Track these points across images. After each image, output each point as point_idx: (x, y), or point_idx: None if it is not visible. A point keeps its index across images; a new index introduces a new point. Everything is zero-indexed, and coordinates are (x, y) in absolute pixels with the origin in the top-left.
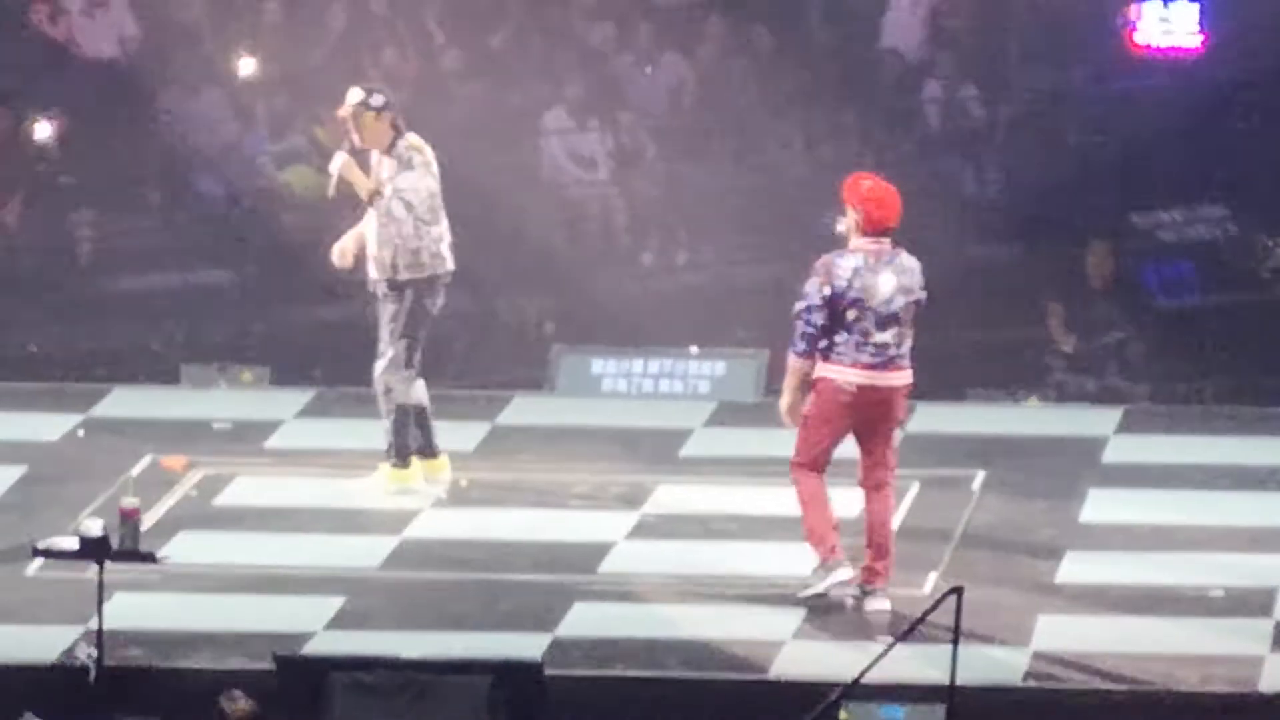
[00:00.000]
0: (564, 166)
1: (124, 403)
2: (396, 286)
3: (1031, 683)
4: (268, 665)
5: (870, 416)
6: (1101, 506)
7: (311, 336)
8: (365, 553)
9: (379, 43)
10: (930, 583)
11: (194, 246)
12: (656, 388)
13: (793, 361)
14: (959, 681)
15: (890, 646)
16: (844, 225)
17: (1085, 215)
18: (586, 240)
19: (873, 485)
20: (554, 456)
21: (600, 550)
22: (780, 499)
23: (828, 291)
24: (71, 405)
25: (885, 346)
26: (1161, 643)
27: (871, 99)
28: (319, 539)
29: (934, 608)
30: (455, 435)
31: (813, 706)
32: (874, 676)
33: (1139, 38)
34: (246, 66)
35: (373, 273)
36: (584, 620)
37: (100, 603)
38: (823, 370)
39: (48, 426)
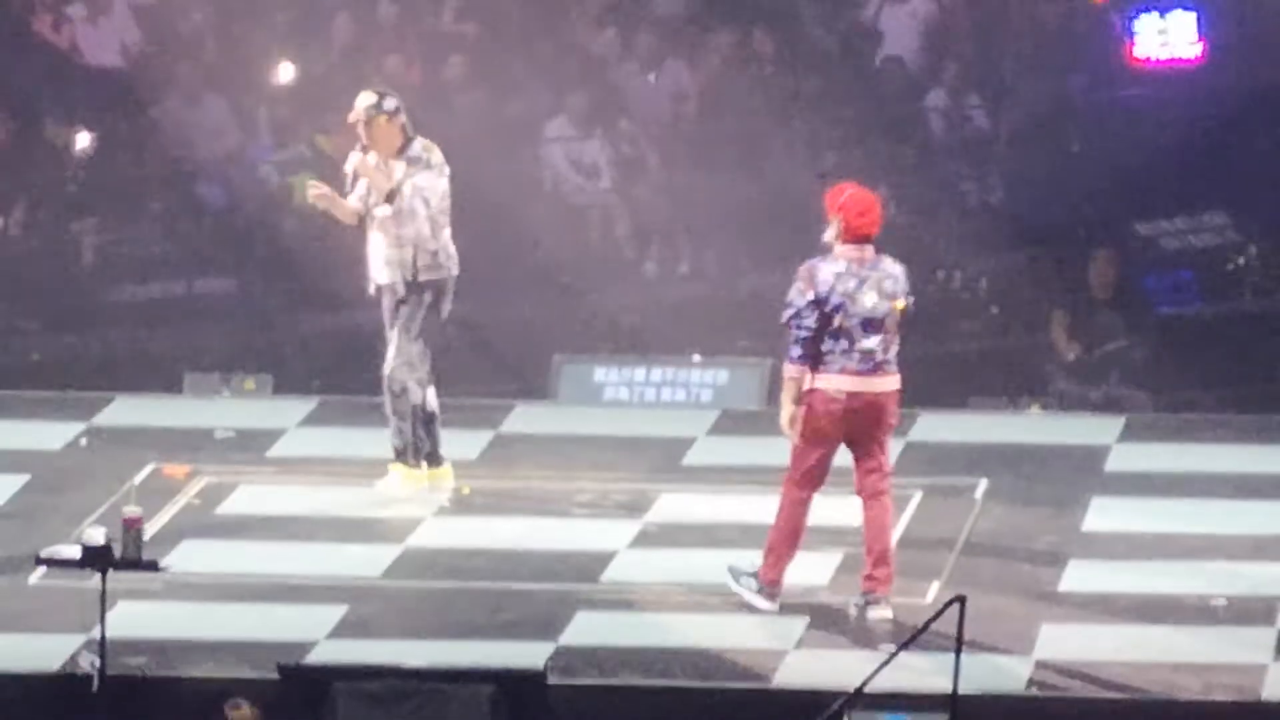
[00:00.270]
0: (566, 175)
1: (126, 411)
2: (415, 288)
3: (1034, 691)
4: (271, 674)
5: (861, 424)
6: (1104, 515)
7: (314, 345)
8: (368, 561)
9: (382, 51)
10: (933, 591)
11: (196, 255)
12: (659, 396)
13: (790, 370)
14: (962, 690)
15: (893, 655)
16: (829, 234)
17: (1087, 224)
18: (589, 249)
19: (870, 494)
20: (556, 465)
21: (603, 559)
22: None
23: (811, 295)
24: (74, 414)
25: (871, 353)
26: (1164, 651)
27: (874, 108)
28: (322, 548)
29: (937, 616)
30: (458, 443)
31: (816, 715)
32: (877, 685)
33: (1138, 50)
34: (286, 72)
35: (383, 275)
36: (587, 629)
37: (103, 611)
38: (812, 380)
39: (50, 435)
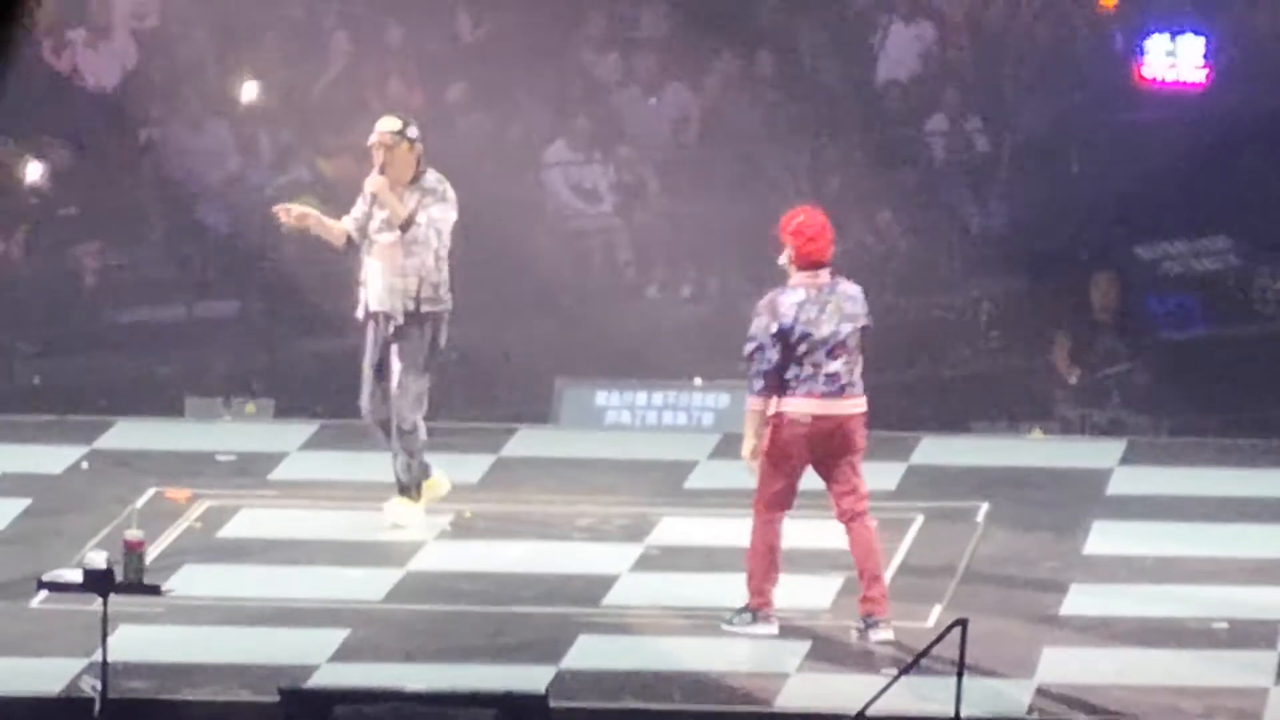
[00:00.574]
0: (567, 200)
1: (128, 435)
2: (415, 319)
3: (1035, 715)
4: (272, 698)
5: (829, 447)
6: (1105, 539)
7: (316, 369)
8: (369, 585)
9: (383, 74)
10: (934, 615)
11: (198, 279)
12: (660, 420)
13: (752, 403)
14: (963, 714)
15: (895, 679)
16: (783, 260)
17: (1089, 247)
18: (590, 272)
19: (849, 517)
20: (558, 489)
21: (605, 582)
22: (785, 530)
23: (775, 329)
24: (75, 437)
25: (836, 376)
26: (1166, 675)
27: (876, 131)
28: (323, 571)
29: (938, 640)
30: (459, 467)
31: None
32: (878, 709)
33: (1146, 71)
34: (250, 91)
35: (382, 302)
36: (589, 652)
37: (105, 635)
38: (778, 406)
39: (52, 459)
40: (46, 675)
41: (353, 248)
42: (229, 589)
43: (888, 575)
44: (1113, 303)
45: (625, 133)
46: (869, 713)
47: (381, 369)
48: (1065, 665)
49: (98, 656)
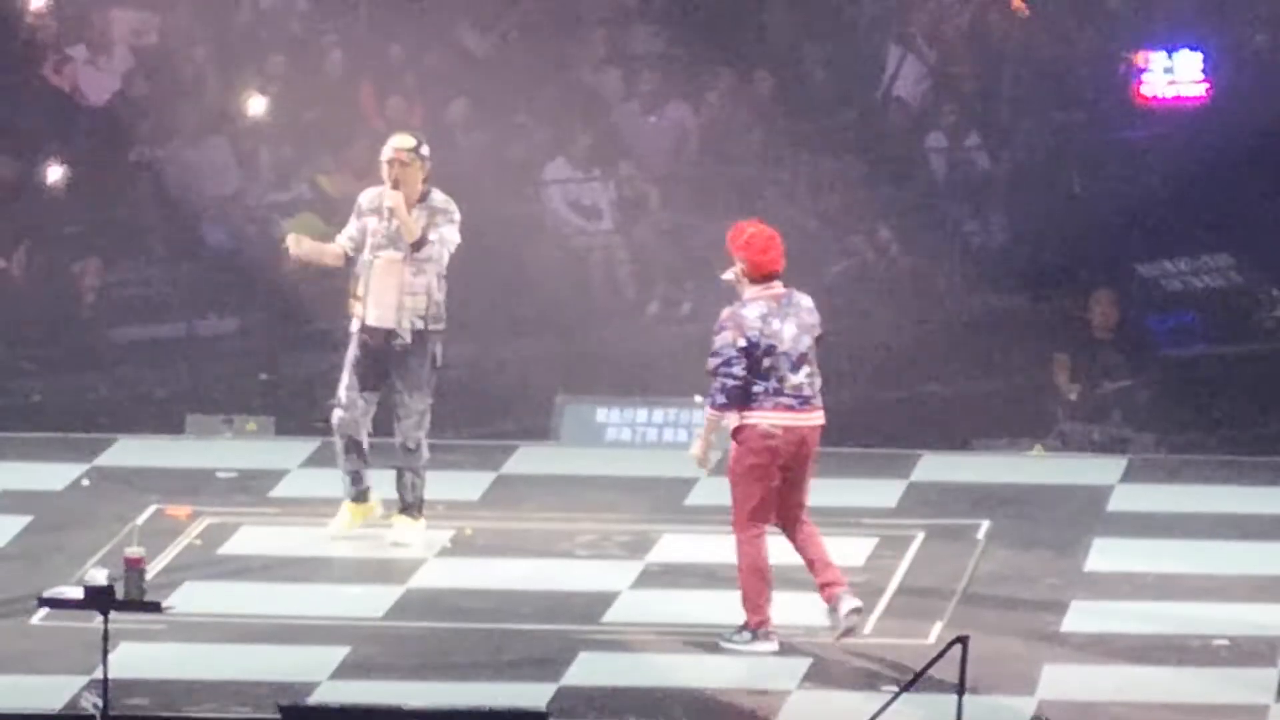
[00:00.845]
0: (567, 216)
1: (129, 452)
2: (421, 339)
3: None
4: (273, 715)
5: (793, 459)
6: (1106, 556)
7: (316, 386)
8: (370, 602)
9: (384, 91)
10: (935, 632)
11: (199, 296)
12: (661, 437)
13: (711, 414)
14: None
15: (895, 696)
16: (731, 274)
17: (1089, 264)
18: (590, 289)
19: (792, 521)
20: (558, 506)
21: (605, 599)
22: (784, 548)
23: (742, 343)
24: (76, 455)
25: (800, 388)
26: (1166, 692)
27: (876, 148)
28: (324, 588)
29: (939, 657)
30: (460, 484)
31: None
32: None
33: (1145, 89)
34: (256, 106)
35: (387, 319)
36: (589, 669)
37: (105, 652)
38: (745, 420)
39: (53, 476)
40: (47, 692)
41: (349, 264)
42: (229, 606)
43: (889, 592)
44: (1113, 320)
45: (626, 150)
46: None
47: (367, 384)
48: (1066, 682)
49: (98, 673)
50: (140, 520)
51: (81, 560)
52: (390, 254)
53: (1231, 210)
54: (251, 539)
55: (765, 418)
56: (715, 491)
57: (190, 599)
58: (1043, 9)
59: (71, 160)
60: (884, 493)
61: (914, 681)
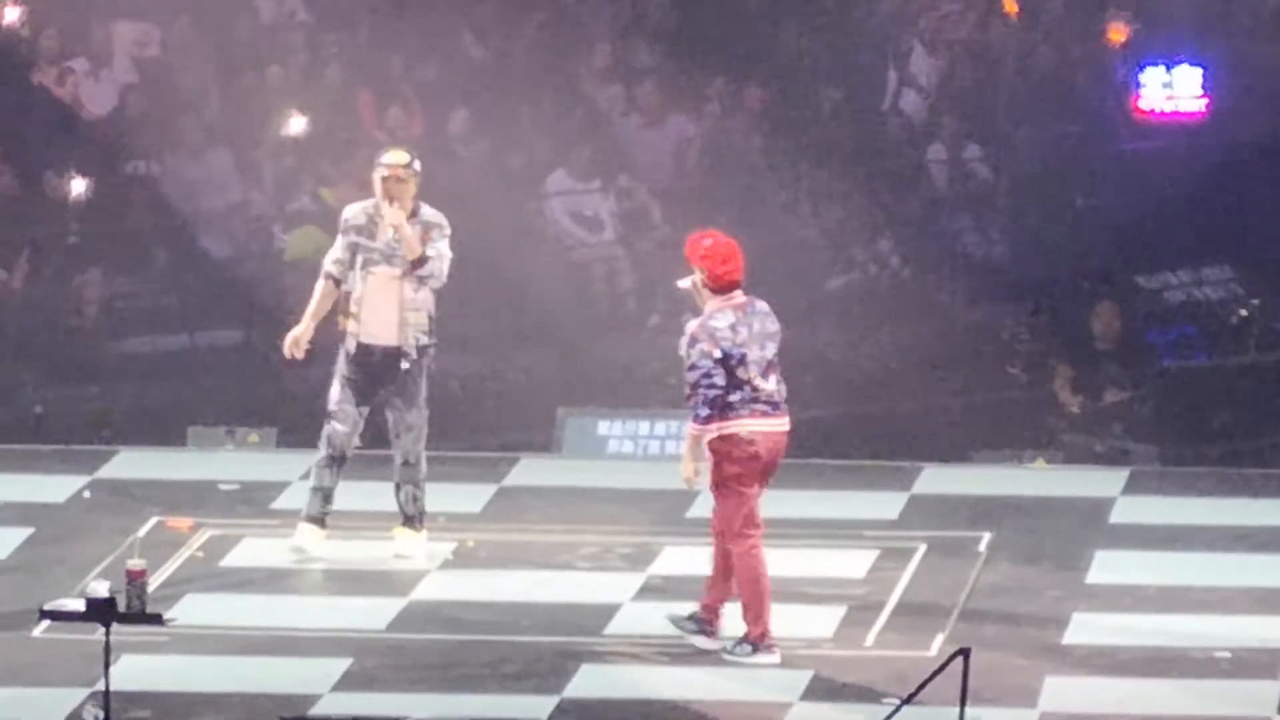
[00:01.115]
0: (568, 228)
1: (130, 464)
2: (420, 352)
3: None
4: None
5: (767, 467)
6: (1108, 568)
7: (318, 398)
8: (372, 614)
9: (384, 103)
10: (937, 644)
11: (200, 307)
12: (663, 449)
13: (695, 429)
14: None
15: (897, 709)
16: (689, 283)
17: (1091, 276)
18: (592, 301)
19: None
20: (560, 518)
21: (607, 611)
22: (786, 561)
23: (718, 354)
24: (78, 467)
25: (772, 394)
26: (1168, 705)
27: (877, 160)
28: (326, 600)
29: (941, 669)
30: (462, 497)
31: None
32: None
33: (1144, 103)
34: (298, 124)
35: (388, 336)
36: (591, 682)
37: (107, 664)
38: (723, 429)
39: (54, 488)
40: (49, 705)
41: (339, 287)
42: (231, 618)
43: (891, 604)
44: (1114, 332)
45: (627, 162)
46: None
47: (359, 400)
48: (1068, 695)
49: (100, 686)
50: (142, 532)
51: (83, 572)
52: (385, 269)
53: (1233, 222)
54: (253, 551)
55: (744, 425)
56: None
57: (192, 611)
58: (1042, 22)
59: (73, 172)
60: (885, 505)
61: (916, 694)
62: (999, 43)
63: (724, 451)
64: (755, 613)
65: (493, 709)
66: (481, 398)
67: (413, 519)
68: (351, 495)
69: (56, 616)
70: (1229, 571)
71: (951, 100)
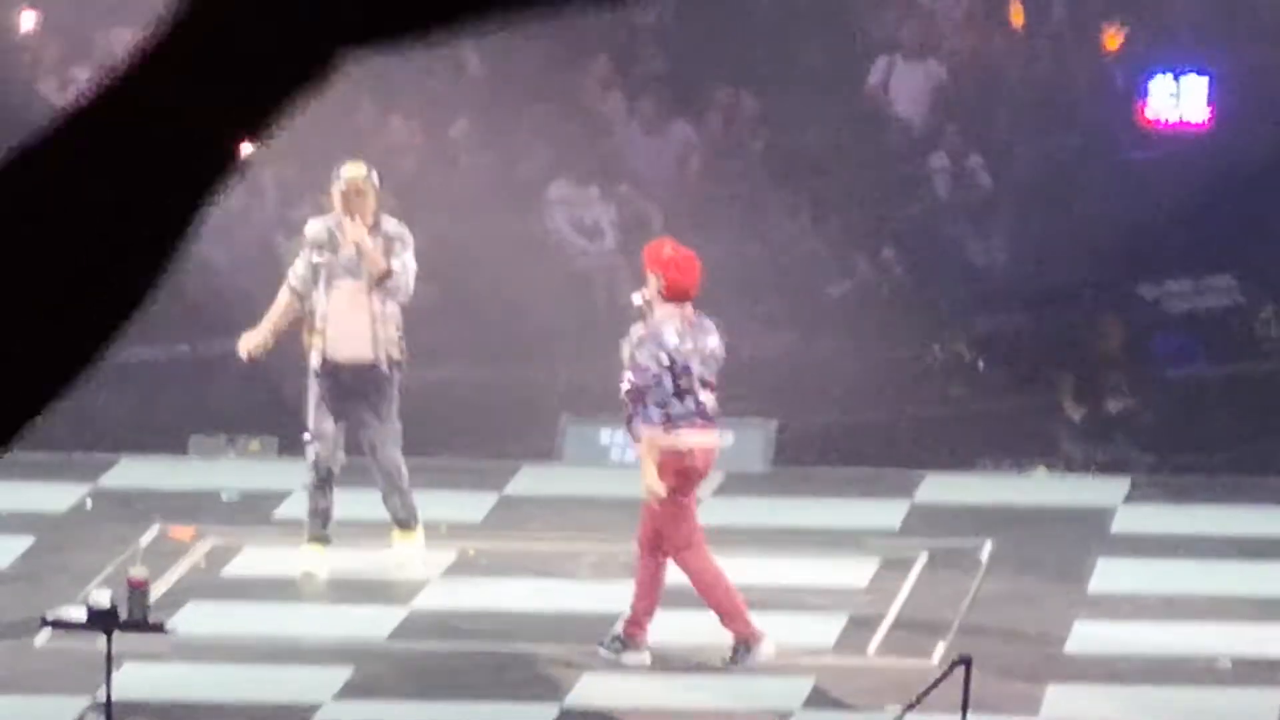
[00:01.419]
0: (569, 237)
1: (132, 473)
2: (391, 365)
3: None
4: None
5: (701, 479)
6: (1110, 576)
7: None
8: (374, 623)
9: (385, 111)
10: (939, 652)
11: (202, 316)
12: None
13: (649, 435)
14: None
15: (900, 716)
16: (646, 293)
17: (1093, 285)
18: (594, 309)
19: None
20: (562, 526)
21: (609, 620)
22: (789, 569)
23: (664, 358)
24: (79, 475)
25: (708, 408)
26: (1170, 713)
27: (878, 168)
28: (327, 609)
29: (943, 678)
30: (463, 505)
31: None
32: None
33: (1149, 112)
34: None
35: (360, 350)
36: (592, 691)
37: (109, 673)
38: (666, 442)
39: (55, 497)
40: (50, 713)
41: (303, 303)
42: (233, 627)
43: (893, 612)
44: (1117, 341)
45: (628, 170)
46: None
47: (336, 417)
48: (1070, 702)
49: (102, 695)
50: (143, 541)
51: (84, 581)
52: (350, 283)
53: (1237, 231)
54: (255, 560)
55: (683, 440)
56: (718, 513)
57: (194, 620)
58: (1044, 31)
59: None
60: (887, 513)
61: (917, 702)
62: (1001, 51)
63: (664, 464)
64: (730, 616)
65: (494, 718)
66: (483, 406)
67: (406, 521)
68: (353, 504)
69: (58, 625)
70: (1230, 580)
71: (953, 109)
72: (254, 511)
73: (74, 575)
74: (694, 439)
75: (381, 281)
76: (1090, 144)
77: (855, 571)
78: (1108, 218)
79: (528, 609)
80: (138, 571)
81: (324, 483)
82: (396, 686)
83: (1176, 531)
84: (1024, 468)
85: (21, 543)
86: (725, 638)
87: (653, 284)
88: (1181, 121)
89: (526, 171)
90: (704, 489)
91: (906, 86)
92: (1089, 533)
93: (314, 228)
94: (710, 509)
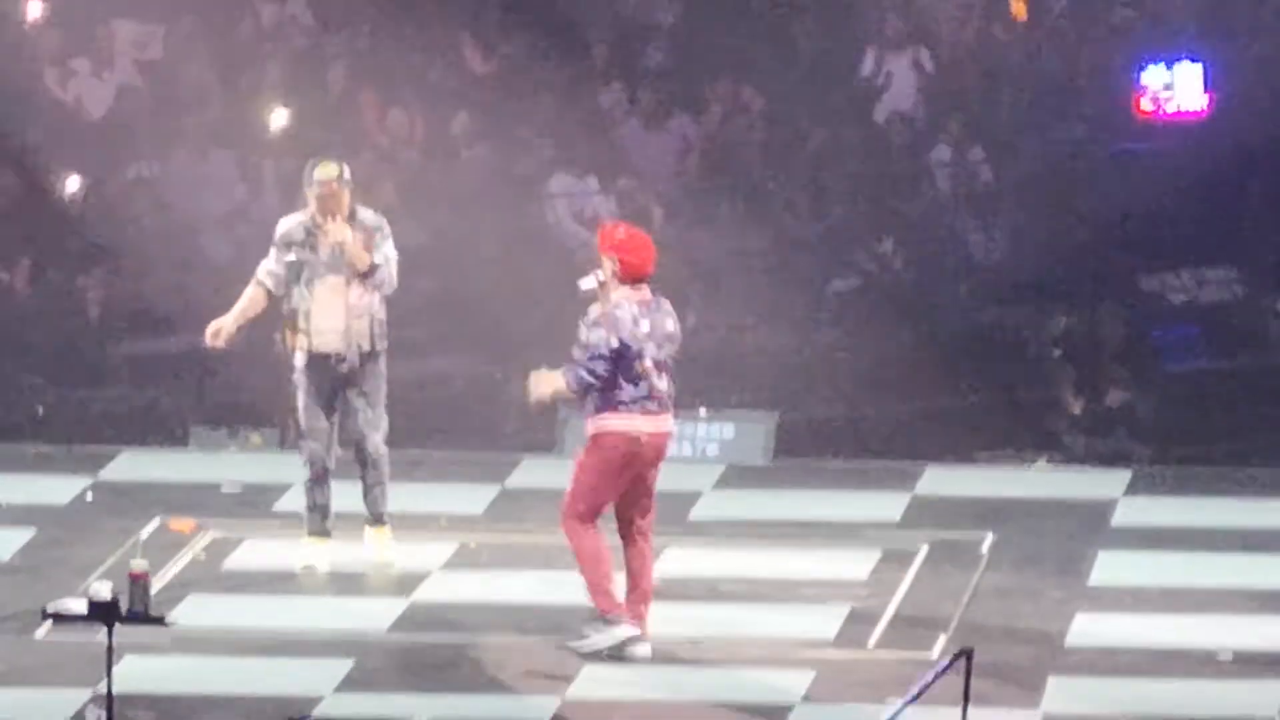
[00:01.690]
0: (571, 230)
1: (133, 465)
2: (371, 358)
3: None
4: None
5: (648, 465)
6: (1110, 569)
7: None
8: (374, 615)
9: (386, 105)
10: (940, 645)
11: (202, 309)
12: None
13: (567, 385)
14: None
15: (900, 709)
16: (600, 276)
17: (1094, 278)
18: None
19: (637, 533)
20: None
21: None
22: (790, 562)
23: (615, 343)
24: (80, 468)
25: (663, 394)
26: (1170, 706)
27: (879, 161)
28: (328, 602)
29: (944, 670)
30: (464, 498)
31: None
32: None
33: (1145, 103)
34: (278, 118)
35: (334, 343)
36: (593, 683)
37: (109, 666)
38: (609, 423)
39: (56, 489)
40: (51, 706)
41: (272, 300)
42: (234, 620)
43: (894, 605)
44: (1117, 333)
45: (628, 163)
46: None
47: (327, 412)
48: (1070, 695)
49: (102, 688)
50: (144, 534)
51: (85, 574)
52: (333, 279)
53: (1235, 223)
54: (256, 552)
55: (631, 424)
56: (720, 505)
57: (194, 613)
58: (1045, 23)
59: (74, 173)
60: (888, 506)
61: (919, 694)
62: (1003, 45)
63: (607, 445)
64: (601, 587)
65: (495, 710)
66: (484, 398)
67: (382, 516)
68: (354, 497)
69: (59, 618)
70: (1231, 572)
71: (954, 102)
72: (255, 504)
73: (75, 568)
74: (643, 424)
75: (367, 277)
76: (1090, 137)
77: (856, 564)
78: (1108, 210)
79: (528, 601)
80: (138, 564)
81: (319, 479)
82: (397, 679)
83: (1177, 524)
84: (1025, 460)
85: (22, 535)
86: (729, 630)
87: (607, 267)
88: (1179, 111)
89: (527, 165)
90: (703, 481)
91: (907, 80)
92: (1090, 525)
93: (289, 226)
94: (711, 502)
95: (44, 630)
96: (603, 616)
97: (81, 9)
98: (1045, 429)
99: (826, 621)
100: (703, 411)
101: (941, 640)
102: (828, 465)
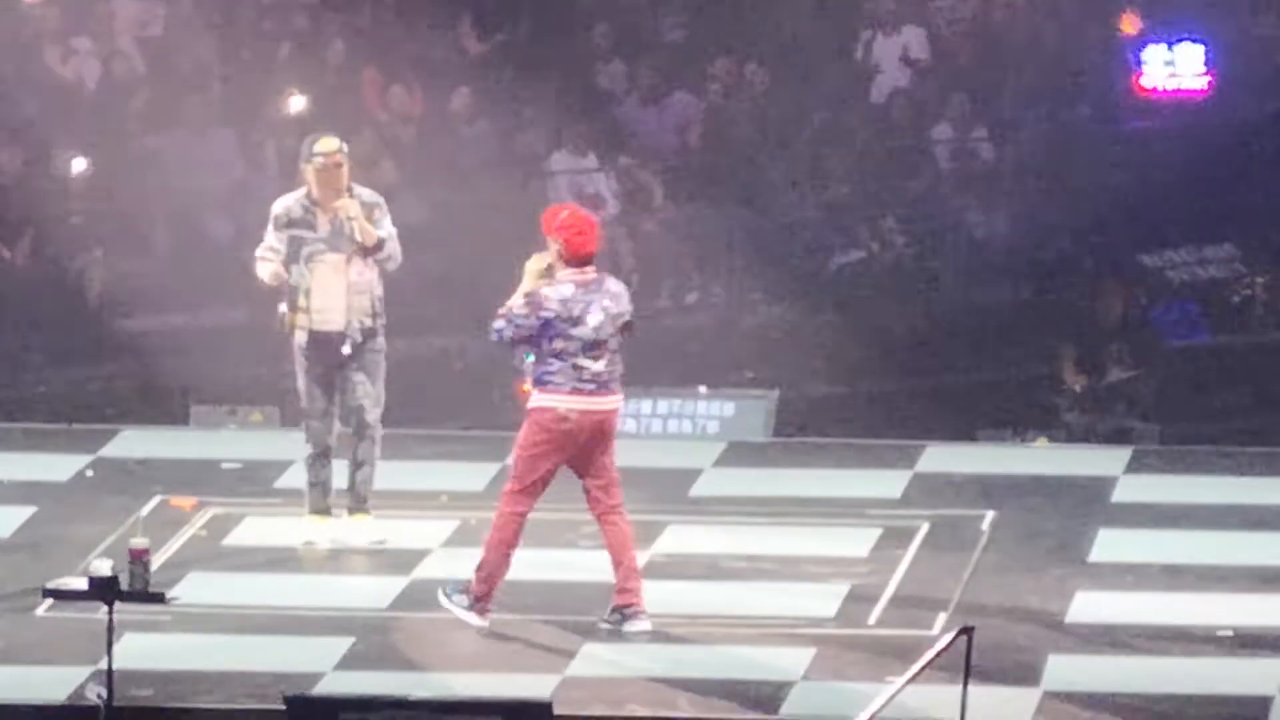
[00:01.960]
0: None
1: (133, 443)
2: (371, 334)
3: None
4: (278, 705)
5: (589, 442)
6: (1111, 546)
7: None
8: (374, 593)
9: (386, 82)
10: (940, 623)
11: (203, 286)
12: (665, 428)
13: (492, 328)
14: None
15: (900, 687)
16: (547, 258)
17: (1094, 256)
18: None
19: (604, 510)
20: (563, 496)
21: (609, 590)
22: (790, 540)
23: (534, 321)
24: (80, 446)
25: (599, 374)
26: (1171, 683)
27: (881, 139)
28: (328, 579)
29: (945, 648)
30: (465, 475)
31: None
32: (885, 716)
33: (1145, 81)
34: (297, 104)
35: (336, 321)
36: (593, 660)
37: (110, 643)
38: (540, 400)
39: (57, 467)
40: (52, 683)
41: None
42: (234, 597)
43: (894, 583)
44: (1118, 311)
45: (629, 140)
46: None
47: (328, 391)
48: (1070, 673)
49: (103, 664)
50: (145, 511)
51: (86, 551)
52: (333, 257)
53: (1236, 200)
54: (256, 530)
55: (561, 401)
56: (720, 483)
57: (195, 590)
58: (1048, 2)
59: (75, 151)
60: (889, 484)
61: (919, 672)
62: (1004, 23)
63: (535, 420)
64: (487, 575)
65: (495, 687)
66: (484, 376)
67: (365, 500)
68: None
69: (59, 595)
70: (1231, 550)
71: (956, 80)
72: (255, 482)
73: (75, 545)
74: (573, 402)
75: (373, 253)
76: (1091, 115)
77: (856, 542)
78: (1109, 188)
79: (528, 579)
80: (139, 541)
81: (320, 456)
82: (397, 656)
83: (1178, 501)
84: (1026, 438)
85: (23, 513)
86: (730, 608)
87: (552, 249)
88: (1179, 90)
89: (528, 142)
90: (703, 459)
91: (908, 58)
92: (1090, 503)
93: (286, 205)
94: (711, 480)
95: (45, 607)
96: (470, 594)
97: None
98: (1046, 407)
99: (827, 599)
100: (703, 389)
101: (942, 618)
102: (828, 443)
